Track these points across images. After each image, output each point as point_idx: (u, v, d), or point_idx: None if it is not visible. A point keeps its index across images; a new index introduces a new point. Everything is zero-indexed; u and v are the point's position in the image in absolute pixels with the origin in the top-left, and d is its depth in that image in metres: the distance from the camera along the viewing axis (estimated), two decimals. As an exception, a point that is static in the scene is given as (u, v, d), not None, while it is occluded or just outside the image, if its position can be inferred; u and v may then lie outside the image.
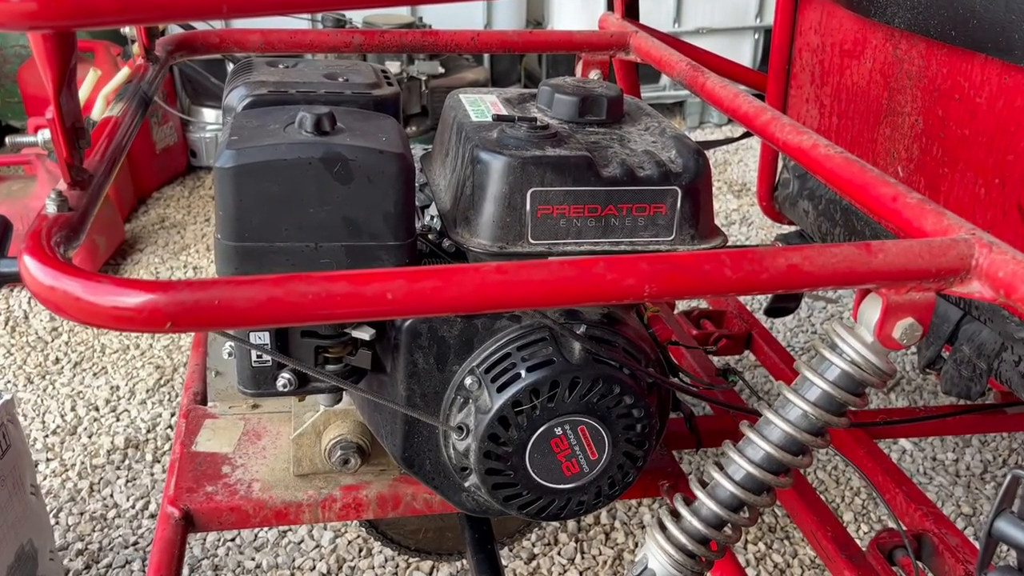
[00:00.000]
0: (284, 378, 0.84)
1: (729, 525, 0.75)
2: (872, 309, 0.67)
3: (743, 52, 3.91)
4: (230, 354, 0.84)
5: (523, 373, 0.86)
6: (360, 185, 0.76)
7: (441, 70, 2.86)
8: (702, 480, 0.76)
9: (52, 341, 2.32)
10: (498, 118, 0.89)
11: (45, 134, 0.69)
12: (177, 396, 2.09)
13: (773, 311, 1.88)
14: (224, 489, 1.03)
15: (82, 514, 1.72)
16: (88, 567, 1.60)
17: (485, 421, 0.86)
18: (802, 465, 0.71)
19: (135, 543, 1.66)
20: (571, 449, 0.88)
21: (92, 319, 0.56)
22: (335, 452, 1.01)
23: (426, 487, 1.05)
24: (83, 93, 2.51)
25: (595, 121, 0.94)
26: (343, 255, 0.78)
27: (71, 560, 1.60)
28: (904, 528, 1.03)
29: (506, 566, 1.59)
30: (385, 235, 0.78)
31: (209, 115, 3.39)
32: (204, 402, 1.20)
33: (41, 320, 2.41)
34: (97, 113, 2.02)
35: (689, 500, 0.76)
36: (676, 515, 0.76)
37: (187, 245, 2.84)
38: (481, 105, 0.96)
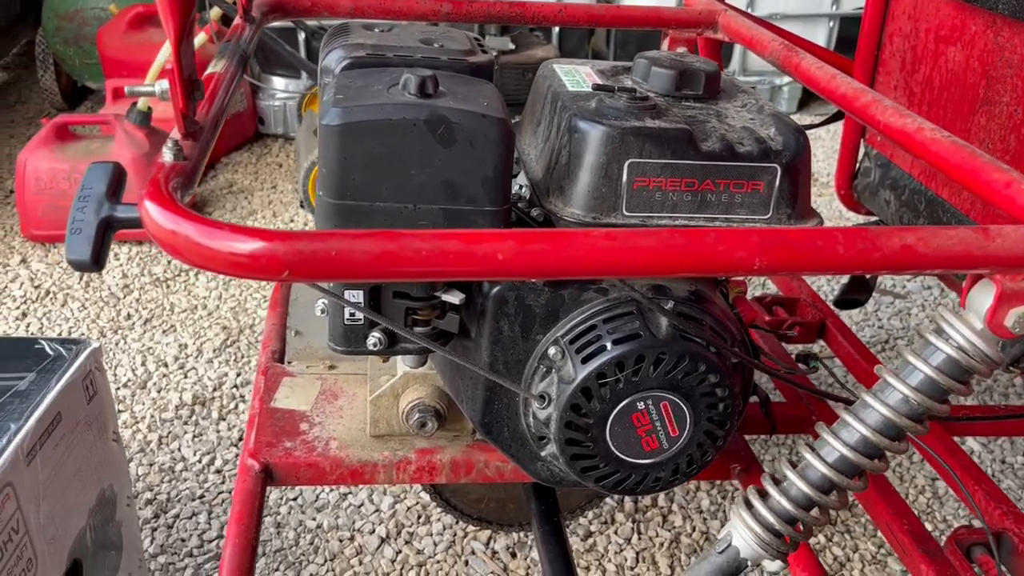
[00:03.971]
0: (375, 337, 0.85)
1: (817, 507, 0.74)
2: (984, 295, 0.65)
3: (817, 40, 3.82)
4: (323, 311, 0.85)
5: (609, 345, 0.85)
6: (462, 148, 0.76)
7: (512, 46, 2.85)
8: (791, 461, 0.75)
9: (124, 298, 2.38)
10: (597, 87, 0.88)
11: (163, 84, 0.71)
12: (243, 357, 2.14)
13: (843, 303, 1.85)
14: (302, 445, 1.05)
15: (151, 465, 1.77)
16: (157, 516, 1.65)
17: (568, 391, 0.86)
18: (899, 451, 0.70)
19: (201, 496, 1.70)
20: (652, 424, 0.88)
21: (209, 264, 0.58)
22: (413, 415, 1.02)
23: (500, 455, 1.06)
24: (162, 56, 2.56)
25: (691, 96, 0.93)
26: (440, 218, 0.78)
27: (141, 509, 1.64)
28: (986, 525, 1.01)
29: (562, 541, 1.60)
30: (482, 200, 0.78)
31: (279, 83, 3.43)
32: (281, 360, 1.22)
33: (114, 277, 2.47)
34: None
35: (777, 481, 0.75)
36: (763, 495, 0.75)
37: (254, 211, 2.89)
38: (576, 76, 0.95)
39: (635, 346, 0.85)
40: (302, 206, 2.85)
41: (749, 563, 0.75)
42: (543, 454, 0.95)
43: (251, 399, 1.14)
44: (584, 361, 0.86)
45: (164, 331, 2.24)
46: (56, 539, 1.06)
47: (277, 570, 1.54)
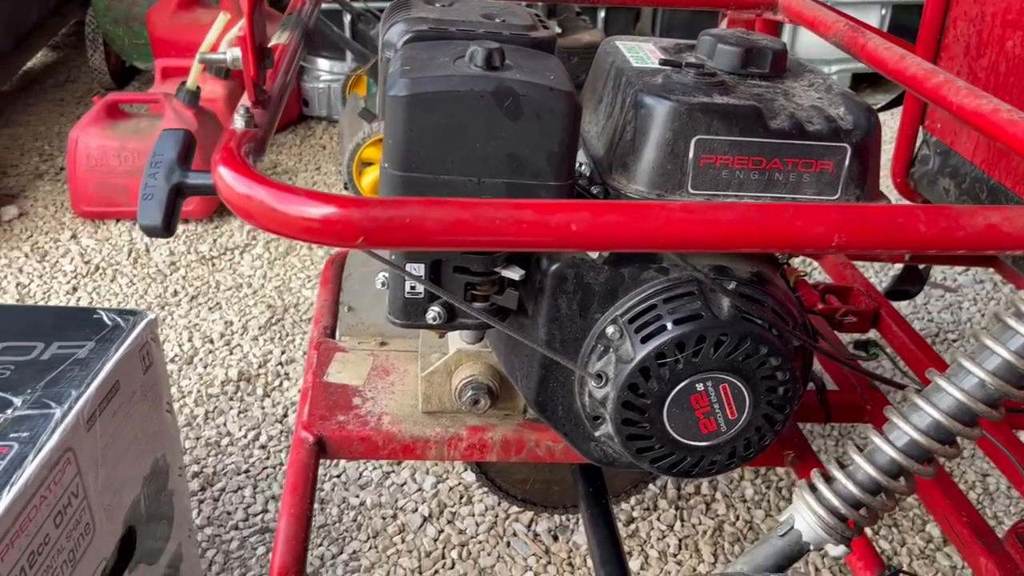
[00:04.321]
0: (434, 311, 0.85)
1: (883, 493, 0.72)
2: (1068, 278, 0.63)
3: (867, 27, 3.74)
4: (383, 284, 0.85)
5: (669, 325, 0.84)
6: (528, 122, 0.75)
7: (558, 30, 2.83)
8: (858, 446, 0.74)
9: (171, 275, 2.41)
10: (664, 63, 0.87)
11: (235, 52, 0.71)
12: (288, 336, 2.16)
13: (894, 294, 1.82)
14: (355, 419, 1.05)
15: (198, 439, 1.80)
16: (203, 489, 1.67)
17: (626, 371, 0.85)
18: (972, 437, 0.68)
19: (247, 471, 1.72)
20: (710, 406, 0.87)
21: (283, 229, 0.58)
22: (466, 392, 1.02)
23: (551, 435, 1.06)
24: (212, 35, 2.58)
25: (758, 74, 0.91)
26: (504, 192, 0.78)
27: (188, 481, 1.67)
28: (1049, 519, 0.98)
29: (604, 526, 1.59)
30: (547, 175, 0.78)
31: (323, 65, 3.45)
32: (333, 336, 1.22)
33: (161, 254, 2.51)
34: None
35: (843, 465, 0.74)
36: (828, 479, 0.74)
37: (298, 191, 2.91)
38: (640, 52, 0.94)
39: (696, 326, 0.84)
40: (345, 188, 2.87)
41: (811, 547, 0.74)
42: (597, 434, 0.94)
43: (304, 373, 1.15)
44: (643, 341, 0.85)
45: (210, 308, 2.27)
46: (112, 506, 1.07)
47: (321, 545, 1.55)
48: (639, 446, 0.89)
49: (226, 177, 0.60)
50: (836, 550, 0.73)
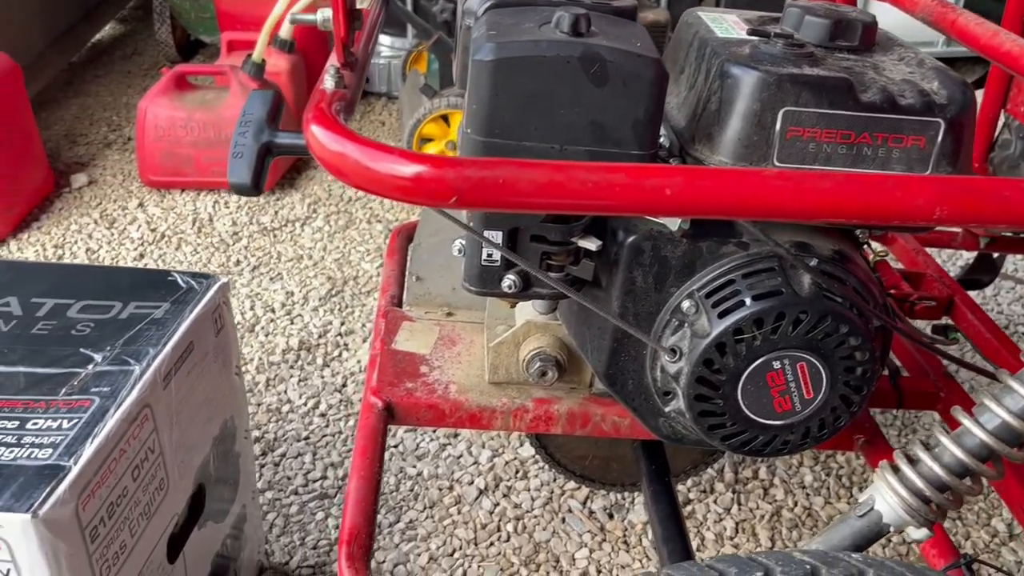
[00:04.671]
0: (510, 279, 0.84)
1: (969, 477, 0.71)
2: None
3: (940, 11, 3.63)
4: (460, 251, 0.85)
5: (747, 301, 0.83)
6: (614, 89, 0.74)
7: (623, 8, 2.79)
8: (944, 428, 0.72)
9: (233, 244, 2.46)
10: (752, 33, 0.85)
11: (326, 12, 0.71)
12: (347, 307, 2.18)
13: (965, 283, 1.77)
14: (423, 387, 1.06)
15: (259, 405, 1.83)
16: (264, 454, 1.70)
17: (702, 346, 0.84)
18: (1068, 422, 0.66)
19: (306, 438, 1.75)
20: (786, 385, 0.86)
21: (374, 186, 0.58)
22: (534, 363, 1.02)
23: (617, 409, 1.05)
24: (278, 8, 2.60)
25: (846, 47, 0.89)
26: (585, 160, 0.77)
27: (252, 445, 1.70)
28: None
29: (660, 506, 1.59)
30: (630, 143, 0.77)
31: (384, 41, 3.46)
32: (400, 305, 1.23)
33: (224, 224, 2.55)
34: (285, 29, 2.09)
35: (929, 446, 0.72)
36: (912, 460, 0.73)
37: (357, 166, 2.93)
38: (724, 23, 0.92)
39: (776, 303, 0.82)
40: (405, 163, 2.88)
41: (891, 528, 0.72)
42: (667, 410, 0.94)
43: (372, 340, 1.16)
44: (721, 316, 0.84)
45: (271, 278, 2.30)
46: (184, 464, 1.10)
47: (378, 513, 1.57)
48: (711, 423, 0.88)
49: (319, 135, 0.61)
50: (917, 533, 0.71)
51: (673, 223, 0.81)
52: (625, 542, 1.53)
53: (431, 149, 2.72)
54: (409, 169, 0.56)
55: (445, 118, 2.69)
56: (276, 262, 2.38)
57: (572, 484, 1.63)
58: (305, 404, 1.84)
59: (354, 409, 1.83)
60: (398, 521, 1.56)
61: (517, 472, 1.67)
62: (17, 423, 0.91)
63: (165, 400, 1.03)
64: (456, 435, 1.76)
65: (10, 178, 2.41)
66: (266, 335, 2.07)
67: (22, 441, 0.89)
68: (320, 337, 2.06)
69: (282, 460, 1.69)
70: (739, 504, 1.62)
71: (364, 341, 2.05)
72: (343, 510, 0.89)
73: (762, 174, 0.56)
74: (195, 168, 2.64)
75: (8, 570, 0.83)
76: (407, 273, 1.21)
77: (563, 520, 1.56)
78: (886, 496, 0.71)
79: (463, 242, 0.85)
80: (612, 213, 0.73)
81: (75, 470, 0.85)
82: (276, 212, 2.62)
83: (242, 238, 2.49)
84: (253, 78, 2.63)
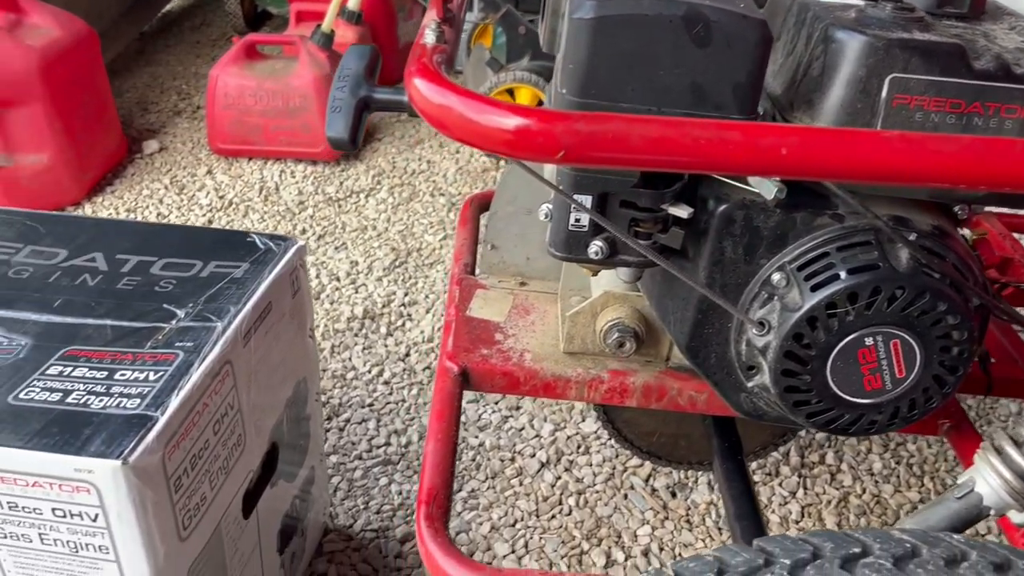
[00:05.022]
0: (596, 245, 0.83)
1: (1079, 462, 0.68)
2: None
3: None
4: (547, 216, 0.84)
5: (842, 275, 0.81)
6: (717, 50, 0.72)
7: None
8: (1053, 409, 0.69)
9: (299, 213, 2.48)
10: (859, -4, 0.82)
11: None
12: (410, 278, 2.19)
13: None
14: (498, 354, 1.06)
15: (324, 371, 1.85)
16: (329, 419, 1.72)
17: (792, 319, 0.82)
18: None
19: (370, 404, 1.77)
20: (878, 363, 0.83)
21: (479, 140, 0.57)
22: (611, 334, 1.01)
23: (694, 384, 1.04)
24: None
25: (954, 14, 0.85)
26: (683, 124, 0.75)
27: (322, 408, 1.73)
28: None
29: (724, 487, 1.57)
30: (730, 107, 0.75)
31: (450, 16, 3.45)
32: (472, 273, 1.23)
33: (290, 193, 2.58)
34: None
35: (1036, 428, 0.70)
36: (1017, 443, 0.70)
37: (422, 139, 2.94)
38: (824, -13, 0.89)
39: (872, 277, 0.80)
40: (469, 137, 2.88)
41: (992, 511, 0.70)
42: (749, 385, 0.92)
43: (446, 306, 1.16)
44: (813, 289, 0.82)
45: (336, 248, 2.32)
46: (260, 423, 1.12)
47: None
48: (797, 399, 0.86)
49: (422, 88, 0.60)
50: (1019, 517, 0.69)
51: (769, 191, 0.79)
52: (688, 521, 1.51)
53: (496, 123, 2.70)
54: (516, 122, 0.55)
55: (511, 92, 2.68)
56: (341, 232, 2.40)
57: (635, 461, 1.62)
58: (369, 371, 1.86)
59: (417, 378, 1.84)
60: (460, 490, 1.57)
61: (579, 447, 1.66)
62: (106, 374, 0.93)
63: (245, 358, 1.05)
64: (518, 407, 1.76)
65: (87, 142, 2.47)
66: (331, 303, 2.09)
67: (111, 391, 0.90)
68: (384, 307, 2.07)
69: (347, 425, 1.71)
70: (805, 488, 1.59)
71: (427, 312, 2.06)
72: (420, 472, 0.89)
73: (882, 135, 0.54)
74: (263, 137, 2.67)
75: (96, 515, 0.85)
76: (482, 241, 1.20)
77: (625, 496, 1.56)
78: (988, 478, 0.69)
79: (550, 206, 0.84)
80: (723, 172, 0.71)
81: (162, 420, 0.87)
82: (341, 183, 2.64)
83: (307, 207, 2.51)
84: (322, 49, 2.65)
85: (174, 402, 0.89)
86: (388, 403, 1.77)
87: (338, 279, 2.18)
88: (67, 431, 0.84)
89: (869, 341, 0.82)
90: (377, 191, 2.60)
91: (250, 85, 2.62)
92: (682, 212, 0.82)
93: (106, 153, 2.60)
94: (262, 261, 1.15)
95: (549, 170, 0.97)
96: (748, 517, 1.06)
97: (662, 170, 0.57)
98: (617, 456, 1.63)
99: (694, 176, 0.84)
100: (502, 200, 1.17)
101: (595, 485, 1.58)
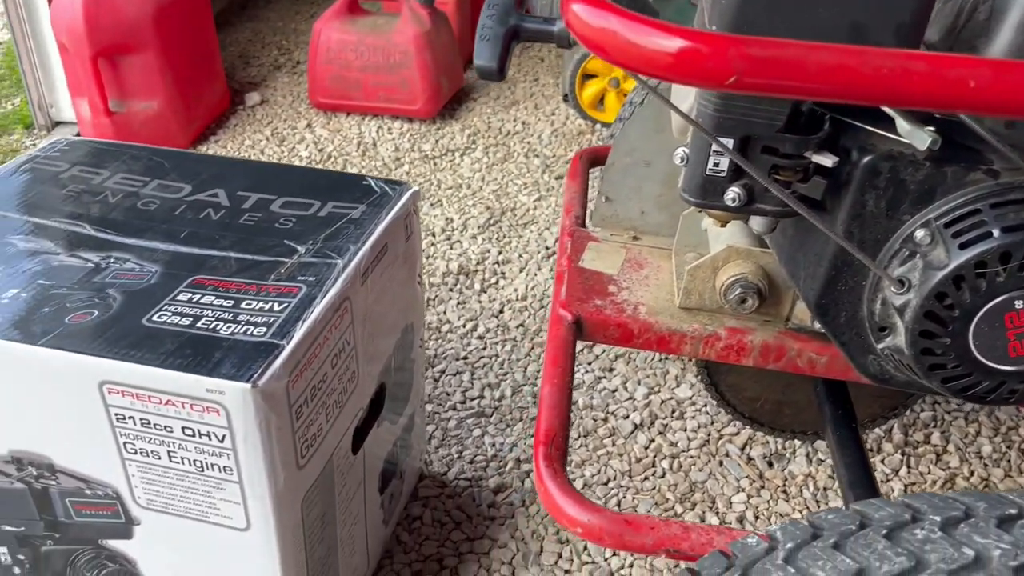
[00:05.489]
0: (734, 192, 0.81)
1: None
2: None
3: None
4: (682, 160, 0.82)
5: (995, 233, 0.77)
6: (882, -14, 0.69)
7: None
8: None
9: (395, 169, 2.50)
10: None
11: None
12: (504, 237, 2.19)
13: None
14: (612, 305, 1.05)
15: (419, 323, 1.87)
16: (425, 369, 1.74)
17: (936, 278, 0.79)
18: None
19: (465, 357, 1.78)
20: (1026, 328, 0.79)
21: (644, 64, 0.56)
22: (733, 289, 0.99)
23: (814, 345, 1.01)
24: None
25: None
26: (837, 66, 0.72)
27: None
28: None
29: (823, 461, 1.53)
30: (891, 46, 0.71)
31: (548, -23, 3.40)
32: (583, 225, 1.22)
33: (387, 149, 2.60)
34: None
35: None
36: None
37: (516, 101, 2.92)
38: (990, -71, 0.84)
39: (1028, 236, 0.75)
40: (565, 99, 2.85)
41: None
42: (879, 347, 0.88)
43: (557, 257, 1.15)
44: (962, 247, 0.78)
45: (432, 204, 2.34)
46: (371, 363, 1.13)
47: (533, 436, 1.59)
48: (932, 362, 0.83)
49: (580, 12, 0.59)
50: None
51: (922, 142, 0.75)
52: (785, 491, 1.48)
53: (594, 86, 2.68)
54: (684, 45, 0.53)
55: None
56: (436, 189, 2.41)
57: (730, 429, 1.59)
58: (464, 326, 1.87)
59: (511, 335, 1.84)
60: (553, 446, 1.57)
61: (673, 412, 1.64)
62: (232, 302, 0.95)
63: (362, 296, 1.06)
64: (611, 369, 1.75)
65: (194, 92, 2.53)
66: (427, 258, 2.10)
67: (238, 319, 0.93)
68: (478, 264, 2.08)
69: (441, 376, 1.72)
70: (908, 467, 1.54)
71: (521, 271, 2.06)
72: (537, 414, 0.89)
73: (1083, 70, 0.51)
74: (362, 92, 2.69)
75: (224, 436, 0.87)
76: (598, 193, 1.19)
77: (720, 463, 1.53)
78: None
79: (686, 150, 0.82)
80: (903, 104, 0.68)
81: (288, 349, 0.89)
82: (437, 141, 2.65)
83: (404, 164, 2.53)
84: (424, 5, 2.65)
85: (299, 332, 0.91)
86: (482, 357, 1.78)
87: (433, 235, 2.19)
88: (199, 354, 0.87)
89: (1019, 304, 0.78)
90: (472, 150, 2.60)
91: (351, 40, 2.64)
92: (826, 160, 0.79)
93: (211, 103, 2.66)
94: (378, 204, 1.16)
95: (678, 118, 0.94)
96: (863, 485, 1.03)
97: (836, 100, 0.54)
98: (712, 423, 1.61)
99: (839, 124, 0.80)
100: (620, 151, 1.16)
101: (689, 450, 1.56)
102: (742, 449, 1.56)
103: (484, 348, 1.81)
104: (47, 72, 2.52)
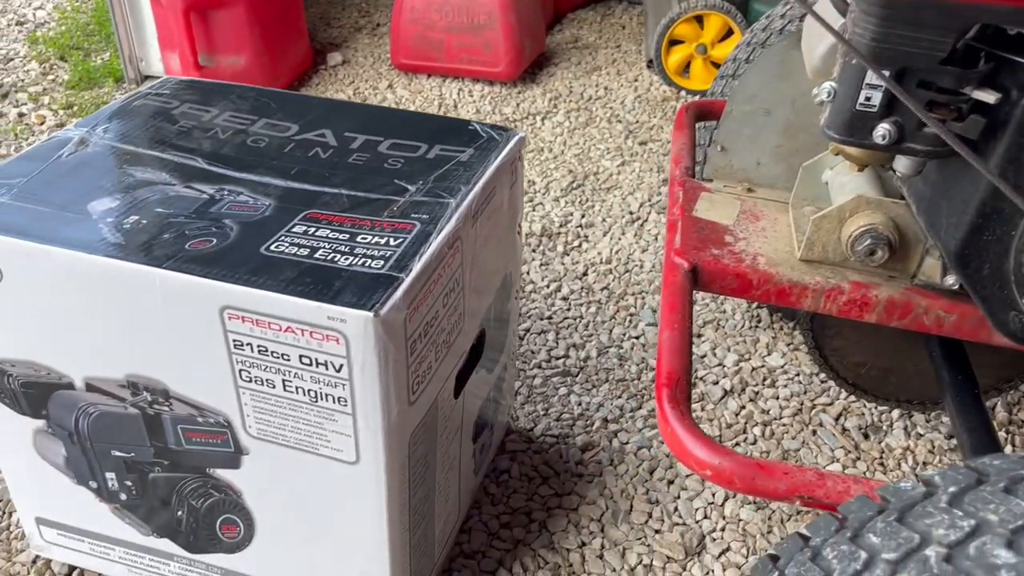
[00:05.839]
0: (884, 128, 0.77)
1: None
2: None
3: None
4: (829, 94, 0.79)
5: None
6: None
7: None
8: None
9: (476, 131, 2.48)
10: None
11: None
12: (587, 201, 2.16)
13: None
14: (729, 255, 1.02)
15: (503, 282, 1.86)
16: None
17: (1100, 226, 0.74)
18: None
19: (549, 317, 1.76)
20: None
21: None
22: (862, 240, 0.95)
23: (943, 303, 0.97)
24: None
25: None
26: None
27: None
28: None
29: (922, 435, 1.48)
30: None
31: (633, -57, 3.34)
32: (692, 176, 1.19)
33: (468, 112, 2.58)
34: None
35: None
36: None
37: (598, 66, 2.88)
38: None
39: None
40: (649, 66, 2.80)
41: None
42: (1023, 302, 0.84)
43: (668, 207, 1.12)
44: None
45: (513, 166, 2.31)
46: (476, 306, 1.12)
47: (620, 397, 1.57)
48: (1087, 318, 0.78)
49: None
50: None
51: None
52: (882, 464, 1.44)
53: (679, 52, 2.62)
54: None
55: (699, 19, 2.58)
56: (517, 151, 2.38)
57: (824, 399, 1.55)
58: (548, 287, 1.85)
59: (595, 297, 1.82)
60: (640, 408, 1.54)
61: (764, 380, 1.61)
62: (348, 236, 0.95)
63: (472, 237, 1.05)
64: (699, 335, 1.71)
65: (280, 49, 2.55)
66: (509, 218, 2.08)
67: (355, 251, 0.92)
68: (561, 226, 2.06)
69: (526, 335, 1.71)
70: (1013, 445, 1.48)
71: (604, 235, 2.03)
72: (657, 359, 0.87)
73: None
74: (444, 54, 2.68)
75: (341, 366, 0.87)
76: (712, 142, 1.15)
77: (814, 433, 1.49)
78: None
79: (833, 84, 0.78)
80: None
81: (407, 281, 0.88)
82: (518, 104, 2.62)
83: (484, 126, 2.51)
84: (510, -34, 2.62)
85: (417, 266, 0.90)
86: (566, 318, 1.76)
87: (516, 196, 2.17)
88: (319, 282, 0.86)
89: None
90: (553, 114, 2.57)
91: (436, 0, 2.63)
92: (988, 97, 0.74)
93: (295, 61, 2.67)
94: (486, 148, 1.15)
95: (821, 52, 0.91)
96: (989, 449, 0.99)
97: None
98: (805, 392, 1.57)
99: (1000, 61, 0.76)
100: (738, 99, 1.12)
101: (781, 418, 1.52)
102: (836, 419, 1.52)
103: (568, 309, 1.79)
104: (138, 26, 2.56)
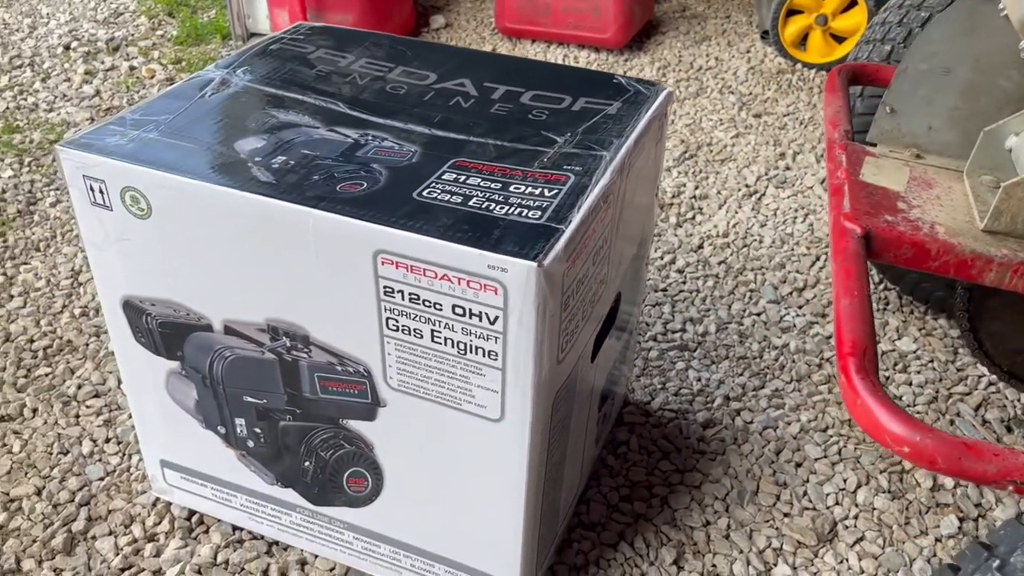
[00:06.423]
0: None
1: None
2: None
3: None
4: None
5: None
6: None
7: None
8: None
9: (582, 98, 2.42)
10: None
11: None
12: (700, 172, 2.09)
13: None
14: (904, 222, 0.94)
15: (615, 251, 1.80)
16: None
17: None
18: None
19: (664, 289, 1.70)
20: None
21: None
22: (1063, 210, 0.87)
23: None
24: None
25: None
26: None
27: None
28: None
29: (1071, 432, 1.38)
30: None
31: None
32: (853, 139, 1.11)
33: (574, 77, 2.52)
34: None
35: None
36: None
37: (707, 36, 2.78)
38: None
39: None
40: (763, 37, 2.69)
41: None
42: None
43: (829, 171, 1.05)
44: None
45: (622, 134, 2.25)
46: (618, 267, 1.07)
47: (741, 375, 1.50)
48: None
49: None
50: None
51: None
52: (1028, 460, 1.34)
53: (798, 22, 2.51)
54: None
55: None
56: (626, 120, 2.31)
57: (961, 388, 1.46)
58: (661, 258, 1.79)
59: (712, 271, 1.75)
60: (763, 387, 1.48)
61: (895, 364, 1.52)
62: (500, 185, 0.91)
63: (622, 192, 0.99)
64: (824, 315, 1.63)
65: (385, 10, 2.52)
66: (619, 187, 2.02)
67: (509, 201, 0.88)
68: (674, 197, 1.99)
69: (644, 307, 1.65)
70: None
71: (720, 208, 1.95)
72: (836, 328, 0.81)
73: None
74: (551, 19, 2.62)
75: (496, 318, 0.83)
76: (881, 104, 1.07)
77: (952, 423, 1.41)
78: None
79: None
80: None
81: (568, 232, 0.83)
82: (625, 72, 2.55)
83: (591, 93, 2.44)
84: (624, -72, 2.54)
85: (576, 218, 0.85)
86: (682, 291, 1.70)
87: (625, 165, 2.11)
88: (477, 230, 0.82)
89: None
90: (663, 82, 2.49)
91: (546, -37, 2.57)
92: None
93: (399, 22, 2.65)
94: (634, 102, 1.09)
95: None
96: None
97: None
98: (940, 380, 1.48)
99: None
100: (916, 57, 1.03)
101: (915, 405, 1.44)
102: (976, 410, 1.42)
103: (684, 282, 1.72)
104: (248, -17, 2.56)
